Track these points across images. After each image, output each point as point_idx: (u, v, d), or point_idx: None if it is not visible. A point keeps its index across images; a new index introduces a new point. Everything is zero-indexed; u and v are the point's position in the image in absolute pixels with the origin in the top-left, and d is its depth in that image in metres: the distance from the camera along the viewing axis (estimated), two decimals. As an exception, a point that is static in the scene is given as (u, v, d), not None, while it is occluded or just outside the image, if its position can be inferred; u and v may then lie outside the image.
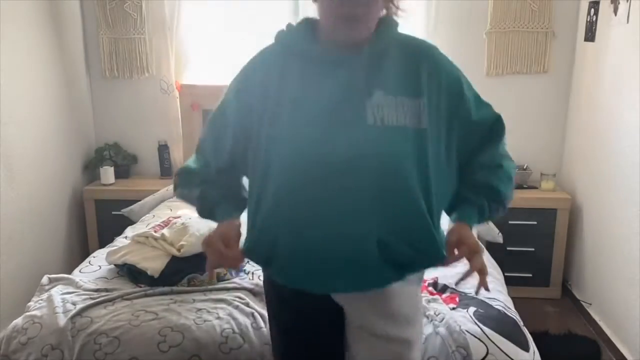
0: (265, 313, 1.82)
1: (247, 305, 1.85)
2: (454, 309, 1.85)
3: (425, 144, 1.19)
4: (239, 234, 1.27)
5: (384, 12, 1.24)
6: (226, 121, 1.30)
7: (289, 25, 1.28)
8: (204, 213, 1.36)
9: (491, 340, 1.68)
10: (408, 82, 1.20)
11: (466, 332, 1.70)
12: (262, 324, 1.77)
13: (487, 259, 2.39)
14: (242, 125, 1.26)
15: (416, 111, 1.18)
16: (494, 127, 1.34)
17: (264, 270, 1.37)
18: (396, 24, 1.26)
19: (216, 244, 1.21)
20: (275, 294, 1.35)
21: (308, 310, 1.29)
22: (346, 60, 1.18)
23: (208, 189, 1.34)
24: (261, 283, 1.99)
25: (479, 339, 1.69)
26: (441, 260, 1.24)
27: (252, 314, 1.80)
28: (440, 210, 1.27)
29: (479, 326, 1.73)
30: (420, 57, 1.23)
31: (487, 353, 1.65)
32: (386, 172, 1.16)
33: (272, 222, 1.22)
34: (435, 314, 1.79)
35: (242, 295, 1.90)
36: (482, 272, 1.23)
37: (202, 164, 1.37)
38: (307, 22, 1.26)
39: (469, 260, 1.22)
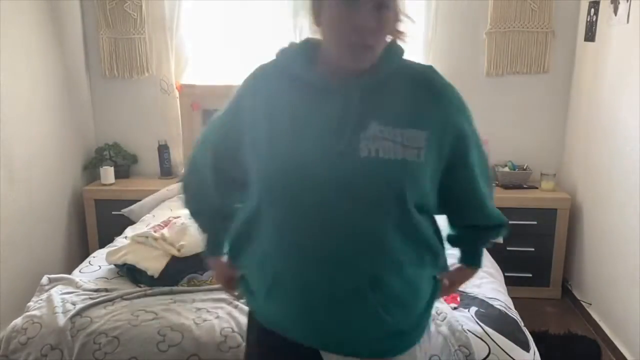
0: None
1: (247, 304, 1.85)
2: (455, 308, 1.85)
3: (420, 177, 1.12)
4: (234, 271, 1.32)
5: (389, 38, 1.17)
6: (223, 129, 1.28)
7: (291, 45, 1.22)
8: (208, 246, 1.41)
9: (493, 340, 1.69)
10: (410, 112, 1.12)
11: (468, 332, 1.70)
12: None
13: (487, 258, 2.39)
14: (234, 136, 1.22)
15: (414, 143, 1.10)
16: (495, 228, 1.35)
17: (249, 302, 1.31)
18: (402, 51, 1.19)
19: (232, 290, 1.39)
20: (255, 328, 1.29)
21: (286, 351, 1.21)
22: (342, 89, 1.12)
23: (210, 221, 1.38)
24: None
25: (480, 338, 1.69)
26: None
27: (252, 314, 1.80)
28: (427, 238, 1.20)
29: (480, 326, 1.73)
30: (423, 86, 1.15)
31: (489, 353, 1.66)
32: (374, 205, 1.10)
33: (271, 256, 1.16)
34: (437, 313, 1.79)
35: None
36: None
37: (201, 164, 1.35)
38: (308, 44, 1.19)
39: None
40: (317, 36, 1.17)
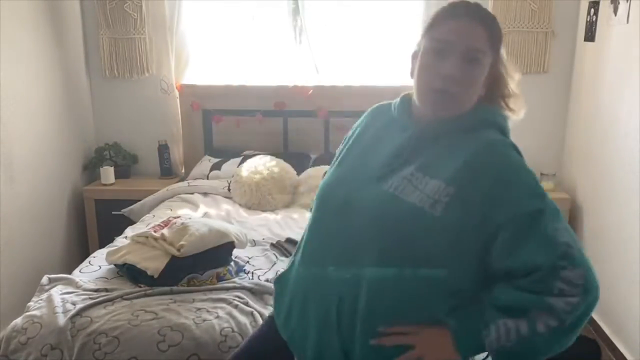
0: (264, 312, 1.82)
1: (247, 304, 1.85)
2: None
3: (433, 231, 1.07)
4: None
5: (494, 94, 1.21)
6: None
7: (407, 93, 1.27)
8: None
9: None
10: (442, 165, 1.11)
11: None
12: (261, 322, 1.77)
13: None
14: None
15: (436, 195, 1.07)
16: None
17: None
18: (493, 116, 1.18)
19: None
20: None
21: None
22: (407, 130, 1.19)
23: None
24: (261, 282, 2.00)
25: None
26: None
27: (252, 313, 1.80)
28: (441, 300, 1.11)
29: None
30: (474, 151, 1.10)
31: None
32: (373, 241, 1.12)
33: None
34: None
35: (242, 295, 1.90)
36: None
37: None
38: (407, 97, 1.25)
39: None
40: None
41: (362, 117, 1.35)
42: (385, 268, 1.10)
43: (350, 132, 1.35)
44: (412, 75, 1.21)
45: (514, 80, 1.24)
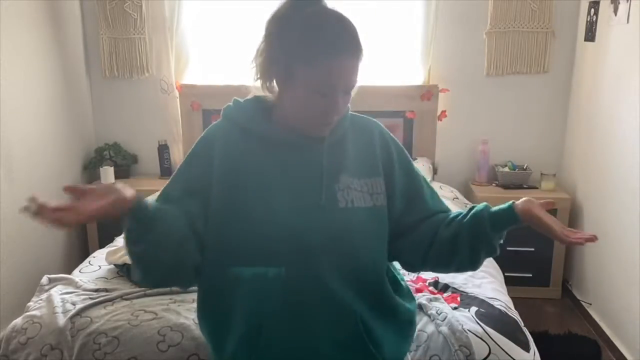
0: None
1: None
2: (455, 308, 1.85)
3: (385, 220, 1.27)
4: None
5: None
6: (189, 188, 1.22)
7: (237, 102, 1.27)
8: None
9: (493, 340, 1.68)
10: (366, 163, 1.26)
11: (468, 332, 1.70)
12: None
13: (487, 259, 2.39)
14: (201, 200, 1.20)
15: (377, 190, 1.25)
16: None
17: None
18: (348, 109, 1.27)
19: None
20: None
21: None
22: (309, 146, 1.22)
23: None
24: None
25: (481, 338, 1.69)
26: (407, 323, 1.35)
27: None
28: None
29: (481, 326, 1.73)
30: (372, 136, 1.30)
31: (490, 353, 1.65)
32: (356, 250, 1.22)
33: (256, 314, 1.19)
34: (437, 312, 1.79)
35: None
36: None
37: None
38: (259, 102, 1.25)
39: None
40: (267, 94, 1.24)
41: (204, 153, 1.24)
42: (371, 261, 1.26)
43: (193, 168, 1.23)
44: (269, 90, 1.22)
45: None
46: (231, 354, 1.23)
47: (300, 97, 1.15)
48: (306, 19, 1.13)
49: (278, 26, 1.16)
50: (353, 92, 1.20)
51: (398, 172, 1.30)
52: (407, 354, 1.37)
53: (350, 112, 1.29)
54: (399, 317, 1.31)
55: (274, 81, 1.20)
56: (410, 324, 1.36)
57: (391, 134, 1.35)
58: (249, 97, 1.27)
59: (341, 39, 1.13)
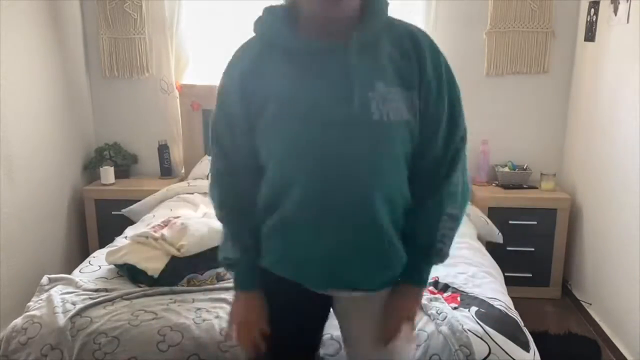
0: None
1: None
2: (455, 308, 1.85)
3: (414, 135, 1.19)
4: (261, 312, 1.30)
5: None
6: (230, 121, 1.24)
7: (267, 12, 1.22)
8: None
9: (493, 340, 1.69)
10: (402, 73, 1.16)
11: (468, 332, 1.70)
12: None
13: (488, 258, 2.39)
14: (241, 121, 1.22)
15: (410, 104, 1.16)
16: (453, 147, 1.25)
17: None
18: (386, 3, 1.21)
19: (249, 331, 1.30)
20: (268, 284, 1.32)
21: (301, 298, 1.29)
22: (336, 50, 1.13)
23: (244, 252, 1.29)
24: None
25: (481, 338, 1.69)
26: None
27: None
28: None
29: (480, 326, 1.73)
30: (415, 47, 1.18)
31: (490, 353, 1.66)
32: (385, 162, 1.17)
33: (289, 221, 1.22)
34: (437, 312, 1.79)
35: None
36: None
37: (227, 169, 1.30)
38: (285, 10, 1.20)
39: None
40: None
41: (232, 75, 1.23)
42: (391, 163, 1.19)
43: (228, 80, 1.24)
44: None
45: None
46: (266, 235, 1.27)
47: None
48: None
49: None
50: None
51: (435, 96, 1.20)
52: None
53: (389, 16, 1.21)
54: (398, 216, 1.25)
55: None
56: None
57: (446, 62, 1.23)
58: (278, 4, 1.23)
59: None
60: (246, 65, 1.21)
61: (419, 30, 1.23)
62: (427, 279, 1.31)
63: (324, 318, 1.41)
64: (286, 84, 1.16)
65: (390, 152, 1.17)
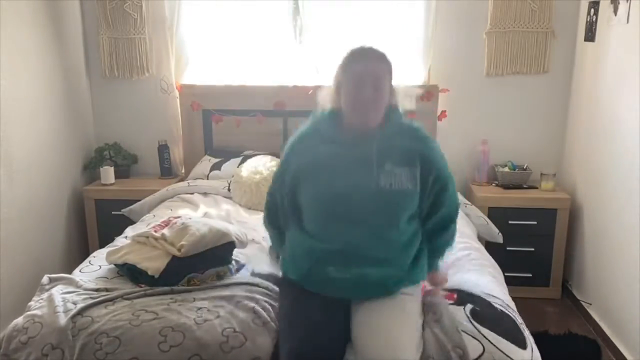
0: (267, 306, 1.82)
1: (249, 299, 1.85)
2: (451, 304, 1.84)
3: (416, 200, 1.74)
4: None
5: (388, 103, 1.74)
6: (283, 186, 1.84)
7: (321, 114, 1.80)
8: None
9: (487, 339, 1.68)
10: (408, 157, 1.71)
11: (462, 332, 1.69)
12: (265, 318, 1.77)
13: (487, 258, 2.39)
14: (291, 186, 1.80)
15: (412, 177, 1.70)
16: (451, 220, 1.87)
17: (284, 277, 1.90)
18: (400, 114, 1.78)
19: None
20: (293, 293, 1.79)
21: (324, 304, 1.72)
22: (363, 142, 1.71)
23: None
24: (259, 280, 2.00)
25: (474, 337, 1.69)
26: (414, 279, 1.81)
27: (253, 309, 1.80)
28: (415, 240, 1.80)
29: (474, 325, 1.73)
30: (419, 144, 1.75)
31: (483, 351, 1.65)
32: (393, 213, 1.71)
33: (314, 249, 1.75)
34: (431, 312, 1.78)
35: (243, 292, 1.90)
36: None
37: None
38: (333, 112, 1.77)
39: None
40: (337, 105, 1.76)
41: (292, 150, 1.82)
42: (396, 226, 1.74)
43: (286, 161, 1.84)
44: (337, 93, 1.74)
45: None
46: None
47: (347, 91, 1.69)
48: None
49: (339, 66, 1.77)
50: (386, 94, 1.71)
51: (432, 178, 1.75)
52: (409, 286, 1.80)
53: (402, 121, 1.78)
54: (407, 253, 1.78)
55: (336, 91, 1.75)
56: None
57: (435, 152, 1.79)
58: (326, 110, 1.79)
59: (364, 53, 1.73)
60: (302, 148, 1.81)
61: (419, 128, 1.81)
62: (441, 264, 1.92)
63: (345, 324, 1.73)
64: (324, 159, 1.74)
65: (396, 209, 1.72)
